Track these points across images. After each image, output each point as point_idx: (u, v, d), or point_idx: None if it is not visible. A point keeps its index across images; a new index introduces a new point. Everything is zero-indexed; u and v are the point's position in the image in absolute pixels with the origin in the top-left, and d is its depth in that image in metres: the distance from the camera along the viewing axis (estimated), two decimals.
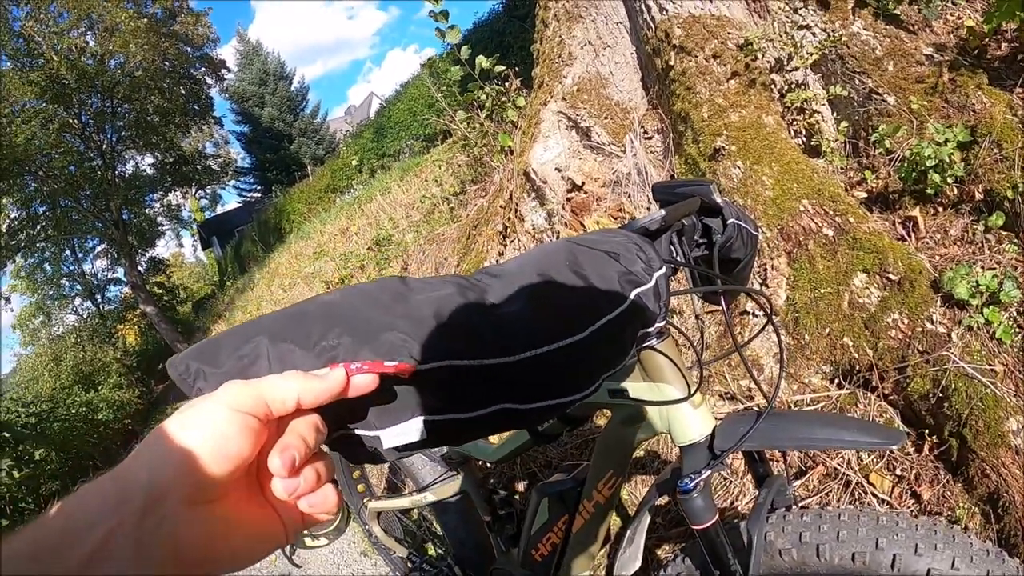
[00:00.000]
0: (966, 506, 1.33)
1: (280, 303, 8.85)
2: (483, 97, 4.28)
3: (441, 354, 0.47)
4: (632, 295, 0.62)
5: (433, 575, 1.71)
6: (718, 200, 1.02)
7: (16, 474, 4.56)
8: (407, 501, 1.79)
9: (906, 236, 1.93)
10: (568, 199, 3.33)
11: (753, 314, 2.06)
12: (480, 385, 0.49)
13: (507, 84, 4.44)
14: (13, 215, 12.93)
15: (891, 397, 1.63)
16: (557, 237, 3.30)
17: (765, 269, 2.03)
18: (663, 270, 0.70)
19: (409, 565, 1.88)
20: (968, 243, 1.73)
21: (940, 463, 1.45)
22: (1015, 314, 1.45)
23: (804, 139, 2.41)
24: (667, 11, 2.61)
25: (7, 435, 5.02)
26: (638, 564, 1.19)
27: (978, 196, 1.75)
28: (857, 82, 2.22)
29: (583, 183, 3.26)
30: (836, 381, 1.80)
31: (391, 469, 2.88)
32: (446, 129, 7.77)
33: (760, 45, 2.32)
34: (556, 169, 3.37)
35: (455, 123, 5.14)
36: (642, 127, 3.11)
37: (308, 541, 1.87)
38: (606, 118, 3.21)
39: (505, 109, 4.34)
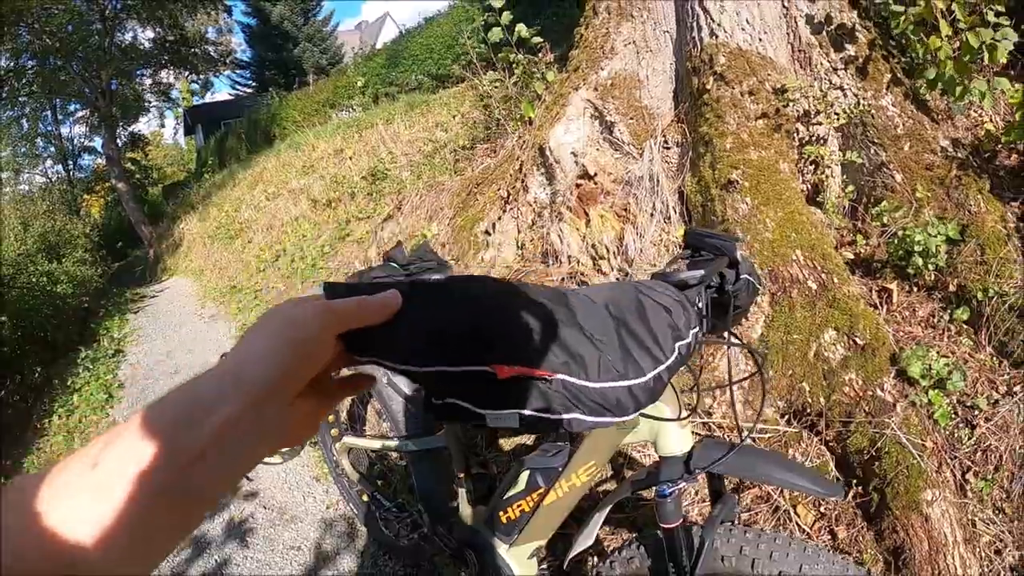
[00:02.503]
0: (873, 553, 1.55)
1: (262, 210, 8.77)
2: (515, 63, 4.32)
3: (560, 368, 0.60)
4: (676, 348, 0.76)
5: (404, 519, 1.87)
6: (739, 257, 1.17)
7: None
8: (383, 444, 1.94)
9: (878, 305, 2.12)
10: (577, 185, 3.44)
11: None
12: (570, 397, 0.62)
13: (540, 55, 4.48)
14: (1, 63, 12.36)
15: (831, 444, 1.84)
16: (559, 218, 3.42)
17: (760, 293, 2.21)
18: (697, 328, 0.84)
19: (372, 506, 2.04)
20: (931, 327, 1.93)
21: (859, 511, 1.66)
22: (955, 402, 1.66)
23: (809, 187, 2.58)
24: (717, 36, 2.71)
25: None
26: (591, 541, 1.38)
27: (951, 288, 1.95)
28: (872, 152, 2.38)
29: (595, 173, 3.37)
30: (787, 418, 2.00)
31: (362, 409, 3.02)
32: (461, 76, 7.71)
33: (795, 95, 2.45)
34: (572, 153, 3.48)
35: (479, 79, 5.16)
36: (664, 136, 3.22)
37: None
38: (632, 118, 3.31)
39: (533, 79, 4.39)
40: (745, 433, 1.05)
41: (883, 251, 2.22)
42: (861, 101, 2.40)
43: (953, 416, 1.66)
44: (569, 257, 3.30)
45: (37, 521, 0.32)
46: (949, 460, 1.61)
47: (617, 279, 3.07)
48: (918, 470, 1.54)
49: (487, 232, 4.04)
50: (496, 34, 4.09)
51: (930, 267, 2.01)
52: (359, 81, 14.35)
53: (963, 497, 1.55)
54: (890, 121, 2.35)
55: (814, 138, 2.50)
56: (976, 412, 1.66)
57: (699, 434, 2.09)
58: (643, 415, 1.14)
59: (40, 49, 12.26)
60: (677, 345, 0.78)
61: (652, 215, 3.11)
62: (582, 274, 3.21)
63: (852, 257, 2.33)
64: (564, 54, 3.93)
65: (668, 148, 3.21)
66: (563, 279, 3.25)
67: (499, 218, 4.01)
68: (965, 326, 1.89)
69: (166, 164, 28.36)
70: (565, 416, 0.62)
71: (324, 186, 7.62)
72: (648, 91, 3.24)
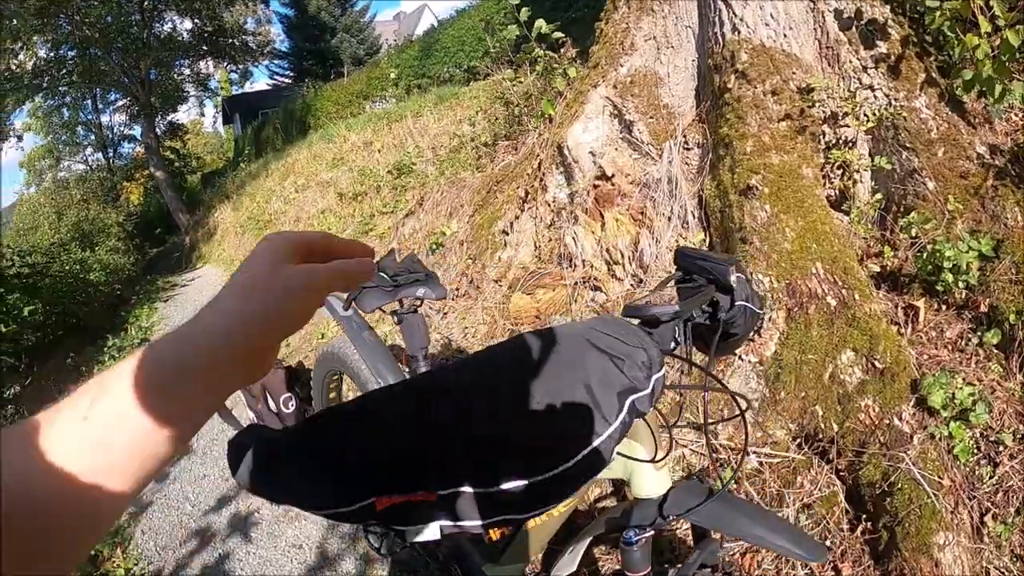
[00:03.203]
0: None
1: (291, 201, 8.87)
2: (536, 60, 4.23)
3: (455, 482, 0.55)
4: (626, 407, 0.68)
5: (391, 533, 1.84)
6: (732, 282, 1.07)
7: (3, 328, 4.57)
8: None
9: (904, 323, 1.98)
10: (595, 186, 3.34)
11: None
12: (486, 504, 0.57)
13: (562, 51, 4.37)
14: (42, 54, 12.78)
15: (842, 473, 1.73)
16: (575, 219, 3.33)
17: (763, 318, 2.09)
18: (661, 372, 0.75)
19: None
20: (959, 350, 1.79)
21: (867, 547, 1.55)
22: (978, 436, 1.53)
23: (836, 193, 2.43)
24: (739, 32, 2.57)
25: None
26: (573, 569, 1.31)
27: (983, 308, 1.80)
28: (904, 157, 2.22)
29: (613, 175, 3.26)
30: (798, 442, 1.89)
31: None
32: (489, 72, 7.67)
33: (821, 95, 2.31)
34: (590, 152, 3.37)
35: (501, 75, 5.08)
36: (684, 136, 3.10)
37: None
38: (651, 118, 3.19)
39: (554, 75, 4.28)
40: (727, 480, 0.96)
41: (911, 265, 2.08)
42: (893, 102, 2.25)
43: (975, 452, 1.52)
44: (583, 261, 3.21)
45: (42, 460, 0.34)
46: (967, 500, 1.48)
47: (631, 286, 2.97)
48: (932, 510, 1.42)
49: (505, 232, 3.97)
50: (512, 31, 4.00)
51: (960, 284, 1.86)
52: (392, 73, 14.40)
53: (979, 542, 1.43)
54: (923, 124, 2.19)
55: (841, 141, 2.35)
56: (1000, 448, 1.52)
57: (702, 450, 1.99)
58: (617, 452, 1.07)
59: (80, 39, 12.68)
60: (631, 400, 0.69)
61: (669, 219, 2.99)
62: (596, 279, 3.11)
63: (878, 270, 2.18)
64: (589, 48, 3.82)
65: (688, 149, 3.09)
66: (576, 283, 3.16)
67: (517, 217, 3.93)
68: (995, 350, 1.75)
69: (205, 152, 29.00)
70: (492, 520, 0.59)
71: (352, 179, 7.65)
72: (669, 89, 3.12)
